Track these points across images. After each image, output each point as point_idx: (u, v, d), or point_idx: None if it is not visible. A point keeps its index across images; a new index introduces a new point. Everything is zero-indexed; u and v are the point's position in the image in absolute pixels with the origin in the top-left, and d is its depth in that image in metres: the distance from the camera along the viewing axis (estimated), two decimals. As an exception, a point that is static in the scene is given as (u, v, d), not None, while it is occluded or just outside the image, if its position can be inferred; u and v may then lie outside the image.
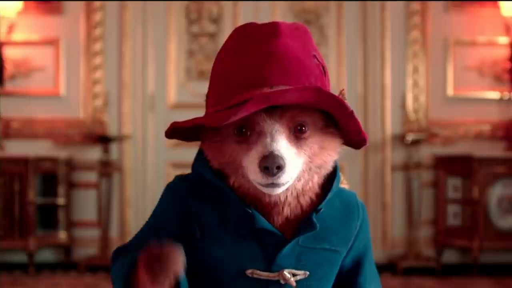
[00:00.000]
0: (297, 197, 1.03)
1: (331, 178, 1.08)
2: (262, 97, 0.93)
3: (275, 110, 0.98)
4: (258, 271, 1.02)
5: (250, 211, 1.01)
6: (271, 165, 0.93)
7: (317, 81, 1.01)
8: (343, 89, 1.06)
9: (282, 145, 0.96)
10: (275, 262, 1.02)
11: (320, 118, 1.01)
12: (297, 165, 0.98)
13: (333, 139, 1.03)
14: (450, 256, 4.56)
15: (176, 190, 1.08)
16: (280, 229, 1.03)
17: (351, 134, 1.03)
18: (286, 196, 1.02)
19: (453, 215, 4.57)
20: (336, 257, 1.08)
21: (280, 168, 0.94)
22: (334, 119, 1.02)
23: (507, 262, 4.45)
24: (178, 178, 1.11)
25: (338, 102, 0.97)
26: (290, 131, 0.99)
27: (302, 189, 1.03)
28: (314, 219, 1.03)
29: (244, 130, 0.99)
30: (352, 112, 0.98)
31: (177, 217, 1.06)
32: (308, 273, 1.04)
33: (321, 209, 1.04)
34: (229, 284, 1.03)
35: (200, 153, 1.09)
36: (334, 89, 1.05)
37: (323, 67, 1.04)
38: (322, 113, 1.01)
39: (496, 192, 4.33)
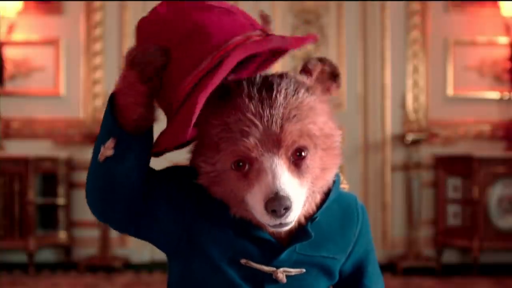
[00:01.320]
0: (299, 219, 1.00)
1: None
2: (239, 49, 0.93)
3: (271, 139, 0.92)
4: (251, 262, 0.99)
5: (244, 219, 1.00)
6: (278, 208, 0.90)
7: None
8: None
9: (286, 182, 0.91)
10: (271, 264, 1.00)
11: (322, 135, 0.96)
12: (302, 195, 0.95)
13: (334, 155, 1.00)
14: (450, 256, 4.56)
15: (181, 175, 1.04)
16: (276, 237, 1.01)
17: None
18: None
19: (453, 215, 4.57)
20: (335, 263, 1.07)
21: (287, 208, 0.90)
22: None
23: (507, 262, 4.45)
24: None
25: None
26: (290, 161, 0.94)
27: (306, 211, 1.01)
28: (309, 229, 1.01)
29: (241, 164, 0.94)
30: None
31: (174, 191, 1.01)
32: (304, 270, 1.02)
33: (316, 217, 1.02)
34: (219, 268, 1.00)
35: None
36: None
37: None
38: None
39: (496, 192, 4.33)
